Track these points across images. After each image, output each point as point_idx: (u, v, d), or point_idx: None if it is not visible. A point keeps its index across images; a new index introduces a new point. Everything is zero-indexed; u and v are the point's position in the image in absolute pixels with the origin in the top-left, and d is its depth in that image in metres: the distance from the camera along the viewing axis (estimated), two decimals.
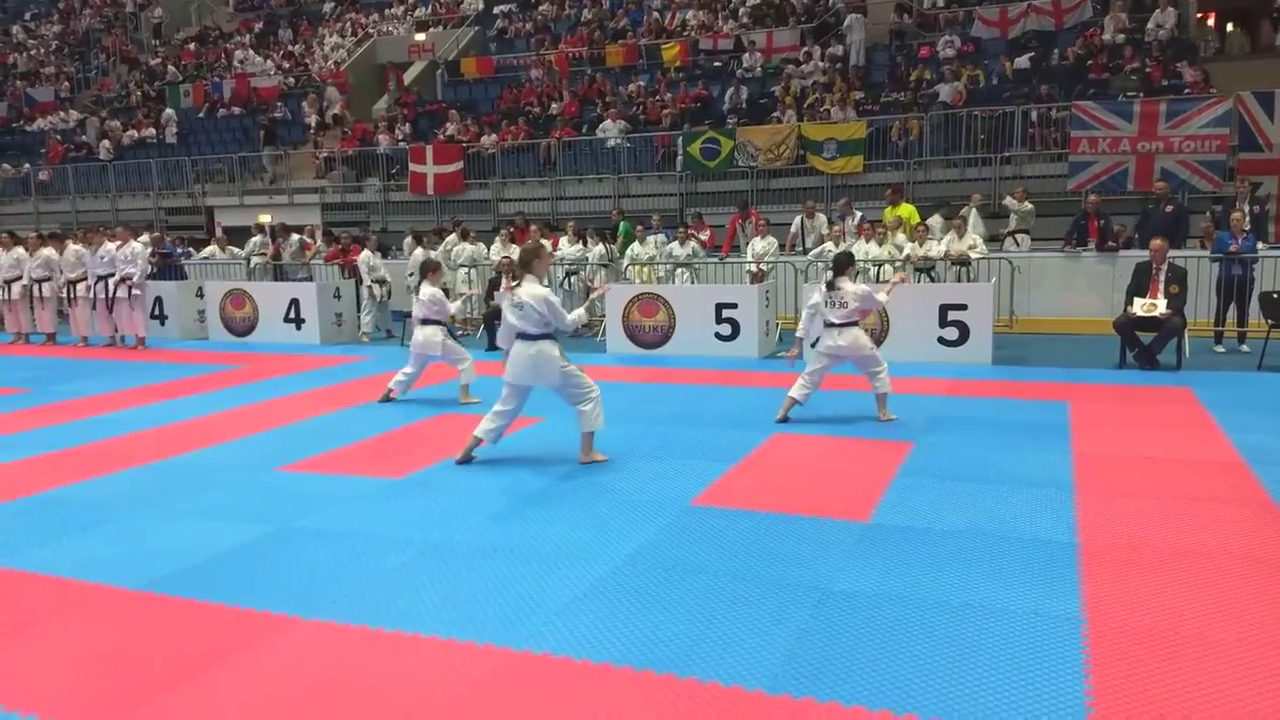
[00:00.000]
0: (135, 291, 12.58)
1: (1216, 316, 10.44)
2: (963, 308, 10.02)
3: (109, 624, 3.94)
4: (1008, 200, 13.50)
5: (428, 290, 8.54)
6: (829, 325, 7.31)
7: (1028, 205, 13.38)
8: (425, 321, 8.49)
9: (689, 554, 4.56)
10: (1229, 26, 22.43)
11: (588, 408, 6.25)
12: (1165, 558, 4.37)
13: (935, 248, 11.79)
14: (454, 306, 9.15)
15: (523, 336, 6.14)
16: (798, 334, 7.65)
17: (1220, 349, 10.33)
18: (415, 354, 8.55)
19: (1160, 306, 9.19)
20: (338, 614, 3.93)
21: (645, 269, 13.30)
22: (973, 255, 11.64)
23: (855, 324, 7.34)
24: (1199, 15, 17.32)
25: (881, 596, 3.98)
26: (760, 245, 13.06)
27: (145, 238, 13.36)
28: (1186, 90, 15.05)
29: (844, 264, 7.49)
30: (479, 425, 6.34)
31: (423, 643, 3.66)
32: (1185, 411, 7.44)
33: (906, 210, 13.28)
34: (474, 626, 3.77)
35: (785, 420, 7.34)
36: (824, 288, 7.40)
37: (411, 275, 12.54)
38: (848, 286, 7.33)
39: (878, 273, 11.89)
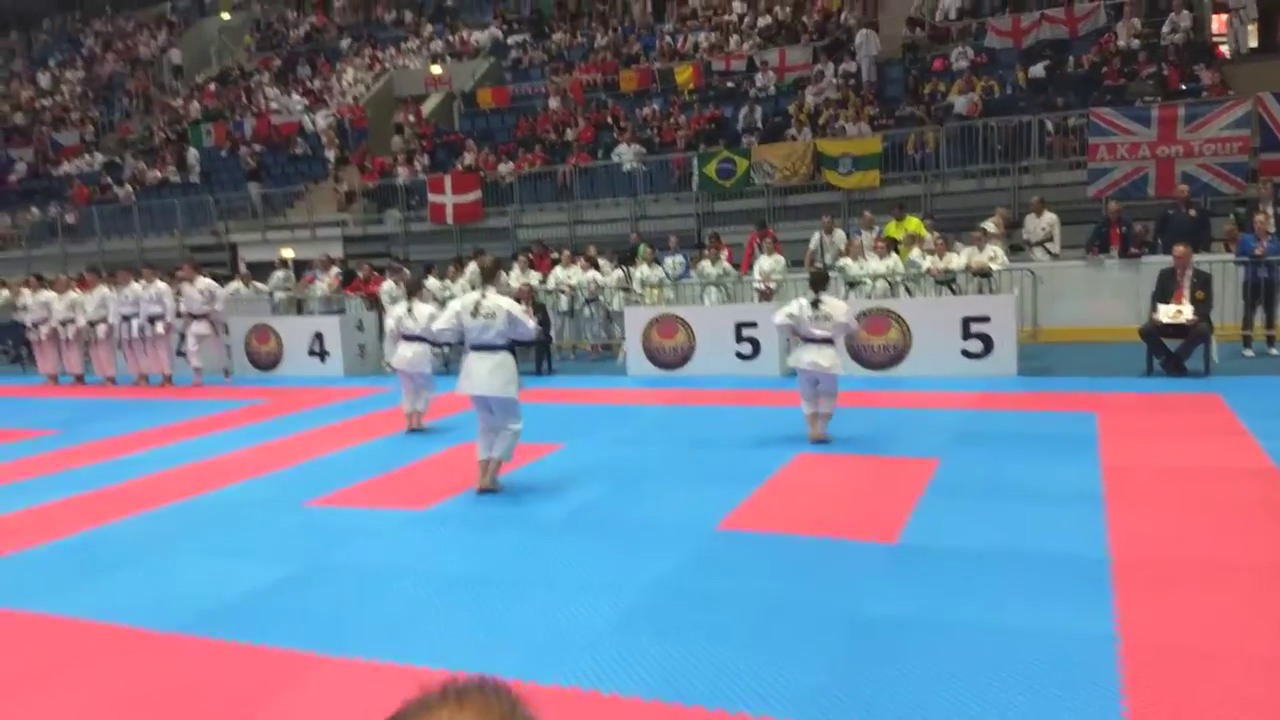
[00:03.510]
0: (159, 330, 12.72)
1: (1244, 320, 10.31)
2: (985, 319, 9.96)
3: (140, 668, 3.97)
4: (1026, 228, 13.34)
5: (425, 309, 8.66)
6: (809, 340, 7.28)
7: (1050, 216, 13.25)
8: (413, 339, 8.57)
9: (715, 581, 4.54)
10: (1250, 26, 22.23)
11: (510, 438, 6.30)
12: (1199, 571, 4.30)
13: (955, 260, 11.73)
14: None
15: (482, 348, 6.20)
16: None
17: (1249, 352, 10.19)
18: (410, 374, 8.61)
19: (1186, 313, 9.09)
20: (365, 650, 3.93)
21: (655, 290, 13.34)
22: (993, 267, 11.57)
23: (832, 342, 7.29)
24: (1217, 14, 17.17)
25: (911, 621, 3.94)
26: (768, 263, 13.08)
27: (204, 280, 13.48)
28: (1204, 93, 14.93)
29: (823, 280, 7.53)
30: (480, 452, 6.37)
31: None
32: (1215, 419, 7.33)
33: (914, 223, 13.24)
34: (503, 660, 3.76)
35: (824, 440, 7.28)
36: (806, 302, 7.32)
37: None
38: (833, 302, 7.34)
39: (879, 287, 11.99)
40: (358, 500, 6.43)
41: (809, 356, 7.22)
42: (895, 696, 3.30)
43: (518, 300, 11.65)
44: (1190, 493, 5.49)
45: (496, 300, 6.23)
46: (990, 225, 13.05)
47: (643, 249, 14.28)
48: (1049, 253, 13.08)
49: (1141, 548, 4.63)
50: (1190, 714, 3.09)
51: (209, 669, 3.89)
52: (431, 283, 13.69)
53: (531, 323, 6.42)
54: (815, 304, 7.26)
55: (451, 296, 13.29)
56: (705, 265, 13.40)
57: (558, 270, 14.00)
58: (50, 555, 5.57)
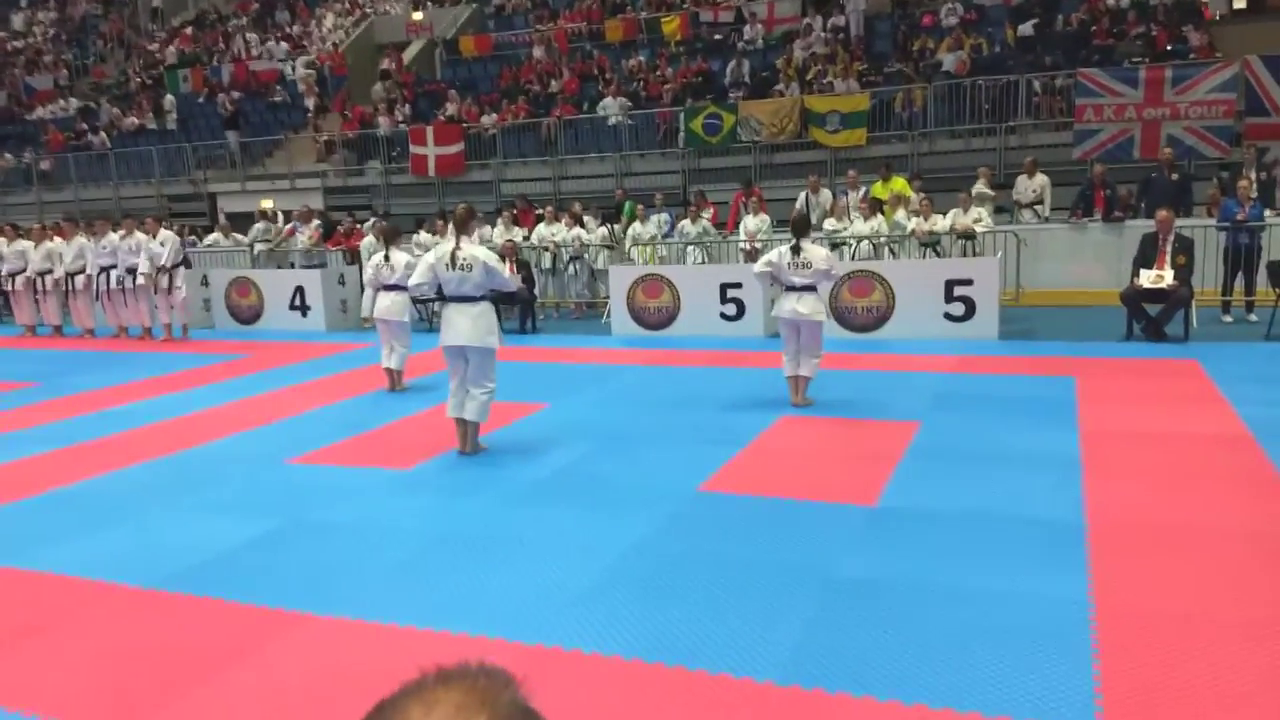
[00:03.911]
0: (140, 281, 12.44)
1: (1224, 286, 10.39)
2: (968, 283, 9.98)
3: (123, 624, 3.98)
4: (1017, 189, 13.31)
5: (402, 257, 8.60)
6: (790, 289, 7.22)
7: (1041, 178, 13.24)
8: (391, 288, 8.52)
9: (697, 542, 4.59)
10: None
11: (484, 397, 6.23)
12: (1173, 537, 4.38)
13: (940, 222, 11.73)
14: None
15: (460, 300, 6.14)
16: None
17: (1228, 319, 10.29)
18: (387, 321, 8.58)
19: (1167, 278, 9.15)
20: (349, 609, 3.96)
21: (648, 249, 13.28)
22: (978, 229, 11.58)
23: (814, 289, 7.22)
24: None
25: (889, 583, 4.00)
26: (753, 223, 13.03)
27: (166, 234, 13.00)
28: (1192, 55, 14.88)
29: (804, 226, 7.44)
30: (449, 410, 6.33)
31: (434, 638, 3.69)
32: (1193, 385, 7.42)
33: (899, 184, 13.20)
34: (485, 620, 3.80)
35: (806, 404, 7.27)
36: (786, 249, 7.24)
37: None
38: (813, 249, 7.28)
39: (863, 248, 11.95)
40: (340, 458, 6.43)
41: (789, 305, 7.18)
42: (871, 658, 3.37)
43: (502, 258, 11.65)
44: (1166, 459, 5.58)
45: (472, 251, 6.12)
46: (983, 186, 13.04)
47: (631, 206, 14.18)
48: (1037, 215, 13.09)
49: (1117, 513, 4.70)
50: (1161, 678, 3.17)
51: (191, 625, 3.91)
52: (424, 237, 13.55)
53: (508, 273, 6.34)
54: (795, 249, 7.19)
55: None
56: (685, 224, 13.36)
57: (540, 227, 13.89)
58: (30, 510, 5.56)
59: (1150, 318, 9.24)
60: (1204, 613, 3.62)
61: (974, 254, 11.51)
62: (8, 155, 24.70)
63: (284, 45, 25.18)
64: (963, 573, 4.07)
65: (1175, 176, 12.19)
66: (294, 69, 23.64)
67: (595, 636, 3.63)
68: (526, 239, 13.71)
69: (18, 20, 32.35)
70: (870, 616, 3.70)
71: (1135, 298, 9.31)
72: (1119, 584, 3.89)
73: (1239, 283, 10.35)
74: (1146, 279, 9.24)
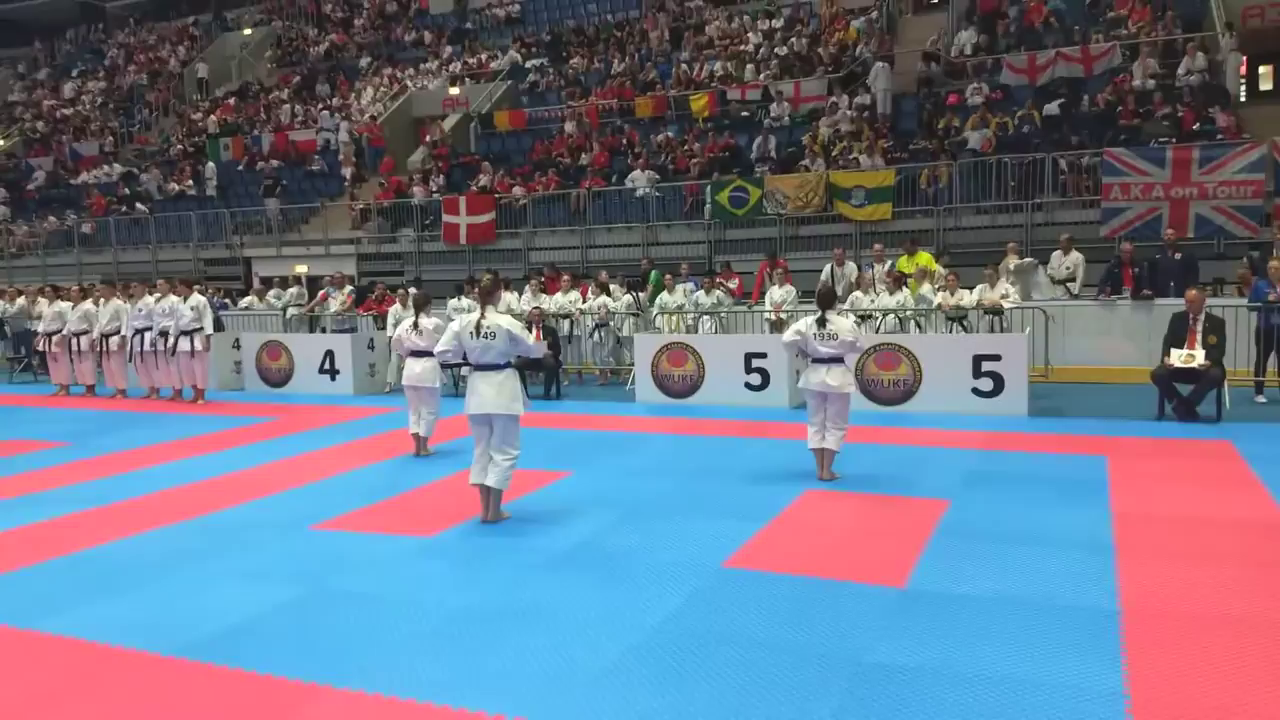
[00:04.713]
0: (199, 347, 12.53)
1: (1256, 366, 10.26)
2: (996, 358, 9.92)
3: (140, 693, 3.95)
4: (1052, 265, 13.33)
5: (430, 321, 8.68)
6: (817, 361, 7.22)
7: (1076, 255, 13.24)
8: (421, 354, 8.58)
9: (721, 622, 4.50)
10: (1260, 69, 22.27)
11: (506, 464, 6.24)
12: (1211, 626, 4.25)
13: (967, 297, 11.72)
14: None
15: (485, 368, 6.21)
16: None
17: (1261, 399, 10.14)
18: (416, 388, 8.63)
19: (1199, 358, 9.05)
20: (367, 683, 3.91)
21: (674, 317, 13.35)
22: (1005, 305, 11.56)
23: (841, 361, 7.23)
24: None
25: (918, 670, 3.90)
26: (778, 294, 13.08)
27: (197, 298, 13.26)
28: (1219, 135, 14.94)
29: (830, 299, 7.45)
30: (472, 477, 6.34)
31: (451, 715, 3.63)
32: (1227, 467, 7.28)
33: (925, 258, 13.24)
34: (498, 697, 3.73)
35: (832, 478, 7.22)
36: (813, 320, 7.26)
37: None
38: (839, 321, 7.28)
39: (889, 322, 11.95)
40: (364, 525, 6.42)
41: (818, 377, 7.18)
42: None
43: (529, 325, 11.73)
44: (1202, 544, 5.45)
45: (496, 320, 6.24)
46: (1018, 260, 13.04)
47: (659, 275, 14.31)
48: (1069, 292, 13.07)
49: (1152, 600, 4.58)
50: None
51: (207, 696, 3.87)
52: (464, 302, 13.68)
53: (533, 340, 6.42)
54: (821, 322, 7.21)
55: None
56: (700, 295, 13.45)
57: (558, 295, 14.06)
58: (55, 572, 5.57)
59: (1182, 397, 9.13)
60: (1245, 707, 3.49)
61: (1001, 330, 11.46)
62: (52, 218, 25.41)
63: (336, 116, 25.87)
64: (996, 661, 3.96)
65: (1178, 256, 12.21)
66: (339, 133, 24.22)
67: (614, 718, 3.55)
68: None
69: (68, 89, 33.59)
70: (901, 705, 3.60)
71: (1166, 377, 9.21)
72: (1156, 675, 3.77)
73: (1272, 363, 10.22)
74: (1177, 358, 9.15)
